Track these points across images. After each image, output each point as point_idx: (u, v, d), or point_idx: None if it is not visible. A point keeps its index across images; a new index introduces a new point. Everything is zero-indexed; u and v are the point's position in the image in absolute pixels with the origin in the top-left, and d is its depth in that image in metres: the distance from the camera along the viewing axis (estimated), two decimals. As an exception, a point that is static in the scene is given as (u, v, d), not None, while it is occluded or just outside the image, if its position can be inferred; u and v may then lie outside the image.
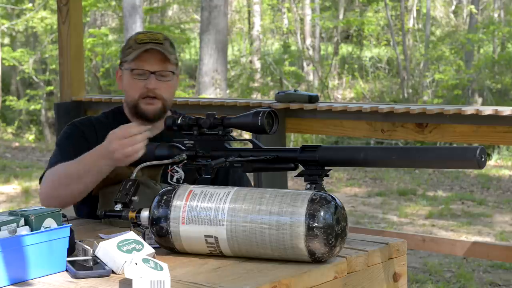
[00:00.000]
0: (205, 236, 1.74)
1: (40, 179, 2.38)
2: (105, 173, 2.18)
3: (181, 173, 2.42)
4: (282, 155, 1.95)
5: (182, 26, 16.56)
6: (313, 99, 4.21)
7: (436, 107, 3.91)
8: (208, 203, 1.75)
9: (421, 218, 7.14)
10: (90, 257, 1.73)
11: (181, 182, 2.41)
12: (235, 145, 2.30)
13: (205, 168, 1.99)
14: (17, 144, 13.50)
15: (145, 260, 1.59)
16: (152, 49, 2.41)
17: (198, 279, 1.63)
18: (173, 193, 1.79)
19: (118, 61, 2.56)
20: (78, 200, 2.28)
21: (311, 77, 14.44)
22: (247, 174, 2.51)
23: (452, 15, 16.84)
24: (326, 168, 1.89)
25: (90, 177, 2.18)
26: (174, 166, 2.37)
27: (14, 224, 1.66)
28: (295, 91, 4.29)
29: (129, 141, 2.09)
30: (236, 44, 17.70)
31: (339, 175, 9.57)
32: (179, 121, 2.05)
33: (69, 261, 1.72)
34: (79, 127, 2.46)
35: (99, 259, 1.70)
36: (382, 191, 8.50)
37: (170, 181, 2.39)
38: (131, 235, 1.75)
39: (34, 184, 8.84)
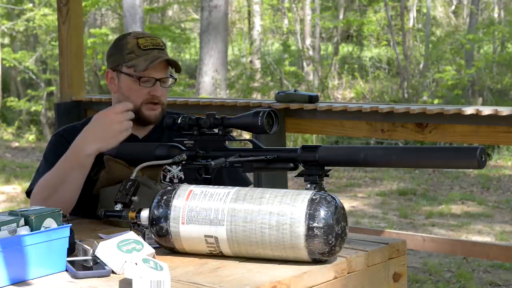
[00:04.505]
0: (205, 236, 1.74)
1: (28, 193, 2.36)
2: (83, 163, 2.21)
3: (173, 172, 2.42)
4: (282, 155, 1.95)
5: (182, 25, 16.54)
6: (313, 99, 4.21)
7: (436, 107, 3.91)
8: (208, 203, 1.75)
9: (421, 218, 7.13)
10: (90, 257, 1.73)
11: (174, 181, 2.41)
12: (235, 145, 2.30)
13: (205, 168, 1.99)
14: (17, 144, 13.49)
15: (145, 260, 1.59)
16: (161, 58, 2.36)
17: (198, 279, 1.63)
18: (173, 193, 1.79)
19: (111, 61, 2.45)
20: (71, 204, 2.26)
21: (311, 77, 14.43)
22: (247, 174, 2.51)
23: (452, 15, 16.83)
24: (326, 168, 1.89)
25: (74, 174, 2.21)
26: (166, 166, 2.36)
27: (14, 224, 1.66)
28: (295, 91, 4.29)
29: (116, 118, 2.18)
30: (236, 44, 17.68)
31: (339, 175, 9.56)
32: (179, 121, 2.05)
33: (69, 261, 1.72)
34: (65, 137, 2.43)
35: (99, 259, 1.70)
36: (382, 191, 8.49)
37: (162, 181, 2.38)
38: (131, 235, 1.75)
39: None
